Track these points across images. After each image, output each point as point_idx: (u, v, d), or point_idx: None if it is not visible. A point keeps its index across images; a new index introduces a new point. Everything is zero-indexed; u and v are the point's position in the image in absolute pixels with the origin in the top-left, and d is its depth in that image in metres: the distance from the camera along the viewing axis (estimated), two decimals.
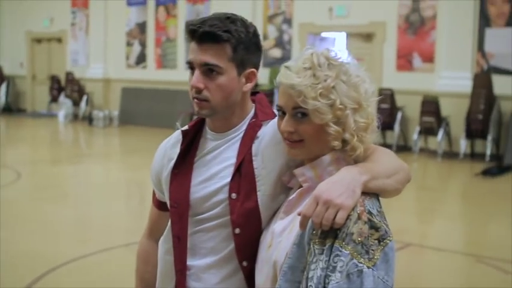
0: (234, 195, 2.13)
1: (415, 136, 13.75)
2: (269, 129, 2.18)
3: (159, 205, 2.42)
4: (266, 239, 2.08)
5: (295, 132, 1.95)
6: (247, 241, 2.13)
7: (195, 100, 2.13)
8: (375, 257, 1.80)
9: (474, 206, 9.56)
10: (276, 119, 2.14)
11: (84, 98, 19.88)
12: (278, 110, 2.00)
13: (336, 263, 1.78)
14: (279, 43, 16.35)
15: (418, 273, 6.57)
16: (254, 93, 2.30)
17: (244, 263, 2.14)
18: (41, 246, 6.93)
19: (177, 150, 2.27)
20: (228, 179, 2.15)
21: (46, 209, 8.77)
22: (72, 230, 7.98)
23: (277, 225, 2.05)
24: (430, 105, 13.37)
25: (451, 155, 13.35)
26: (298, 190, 2.03)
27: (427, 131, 13.56)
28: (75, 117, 20.08)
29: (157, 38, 18.81)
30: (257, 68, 2.21)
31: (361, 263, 1.78)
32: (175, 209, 2.21)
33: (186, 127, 2.29)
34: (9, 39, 22.67)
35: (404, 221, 8.27)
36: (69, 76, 20.38)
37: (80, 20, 20.73)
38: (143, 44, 19.18)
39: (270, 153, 2.15)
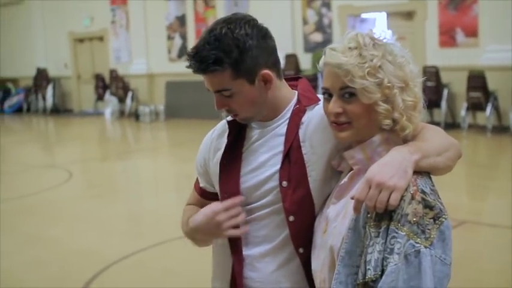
0: (285, 183, 2.13)
1: (462, 112, 13.55)
2: (314, 114, 2.18)
3: (201, 192, 2.43)
4: (321, 225, 2.08)
5: (343, 113, 1.94)
6: (302, 227, 2.13)
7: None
8: (431, 236, 1.79)
9: None
10: (321, 104, 2.14)
11: (129, 94, 20.04)
12: (324, 93, 1.99)
13: (392, 245, 1.78)
14: (319, 27, 16.25)
15: (475, 251, 6.49)
16: (296, 78, 2.30)
17: (301, 250, 2.14)
18: (96, 243, 7.03)
19: (224, 140, 2.28)
20: (277, 167, 2.15)
21: (99, 206, 8.88)
22: (126, 226, 8.07)
23: (331, 210, 2.04)
24: (477, 80, 13.15)
25: (500, 129, 13.14)
26: (349, 173, 2.02)
27: (475, 106, 13.35)
28: (121, 114, 20.27)
29: (197, 29, 18.82)
30: (268, 64, 2.15)
31: (417, 243, 1.77)
32: (225, 199, 2.21)
33: (231, 117, 2.28)
34: (53, 41, 22.96)
35: (457, 198, 8.18)
36: (113, 73, 20.57)
37: (119, 17, 20.89)
38: (184, 37, 19.24)
39: (318, 138, 2.15)
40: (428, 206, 1.81)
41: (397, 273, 1.77)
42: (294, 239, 2.14)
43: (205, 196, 2.41)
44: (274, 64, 2.17)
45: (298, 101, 2.22)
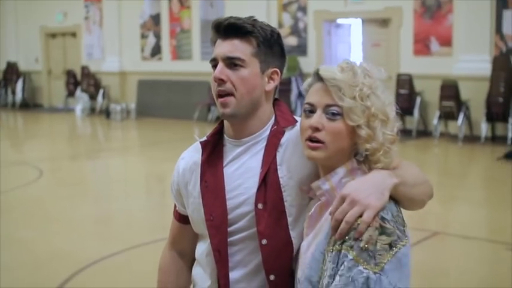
0: (260, 206, 2.10)
1: (435, 121, 13.63)
2: (293, 137, 2.16)
3: (180, 218, 2.39)
4: (298, 257, 2.08)
5: (323, 130, 1.93)
6: (274, 252, 2.10)
7: (219, 99, 2.11)
8: (382, 262, 1.78)
9: (498, 191, 9.47)
10: (298, 126, 2.14)
11: (101, 91, 19.87)
12: (305, 110, 1.99)
13: (340, 266, 1.80)
14: (295, 31, 16.25)
15: (447, 262, 6.53)
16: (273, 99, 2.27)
17: (271, 277, 2.10)
18: (67, 246, 6.95)
19: (199, 161, 2.23)
20: (254, 190, 2.11)
21: (69, 207, 8.78)
22: (97, 228, 7.99)
23: (304, 242, 2.04)
24: (450, 89, 13.23)
25: (472, 139, 13.24)
26: (317, 204, 2.01)
27: (447, 115, 13.43)
28: (92, 111, 20.08)
29: (171, 29, 18.74)
30: (281, 71, 2.19)
31: (366, 269, 1.77)
32: (211, 222, 2.17)
33: (204, 138, 2.25)
34: (24, 35, 22.68)
35: (428, 208, 8.18)
36: (85, 70, 20.38)
37: (93, 13, 20.70)
38: (158, 36, 19.12)
39: (296, 163, 2.12)
40: (384, 233, 1.81)
41: None
42: (266, 264, 2.10)
43: (182, 220, 2.37)
44: (281, 74, 2.20)
45: (276, 122, 2.19)
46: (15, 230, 7.61)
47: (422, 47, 14.30)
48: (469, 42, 13.48)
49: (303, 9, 16.07)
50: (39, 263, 6.43)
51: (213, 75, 2.11)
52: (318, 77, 1.97)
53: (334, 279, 1.79)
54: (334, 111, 1.92)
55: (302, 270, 1.94)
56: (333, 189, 1.95)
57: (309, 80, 2.03)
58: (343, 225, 1.80)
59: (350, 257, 1.77)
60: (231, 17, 2.13)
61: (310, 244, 1.97)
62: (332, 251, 1.82)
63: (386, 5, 14.66)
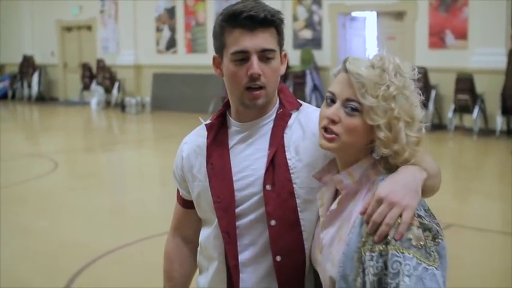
0: (268, 187, 2.10)
1: (450, 114, 13.57)
2: (300, 120, 2.17)
3: (184, 203, 2.39)
4: (315, 244, 2.08)
5: (339, 123, 1.89)
6: (283, 234, 2.10)
7: (250, 91, 2.08)
8: (436, 258, 1.78)
9: None
10: (302, 109, 2.18)
11: (116, 85, 19.93)
12: (327, 98, 1.95)
13: (395, 268, 1.75)
14: (309, 24, 16.24)
15: (461, 254, 6.50)
16: None
17: (278, 258, 2.10)
18: (81, 236, 7.00)
19: (204, 144, 2.23)
20: (262, 171, 2.12)
21: (84, 198, 8.84)
22: (111, 219, 8.04)
23: (324, 234, 2.02)
24: (465, 83, 13.17)
25: (487, 132, 13.18)
26: (338, 199, 1.98)
27: (462, 108, 13.38)
28: (107, 104, 20.16)
29: (186, 22, 18.77)
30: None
31: (430, 265, 1.76)
32: (219, 204, 2.16)
33: (208, 121, 2.25)
34: (40, 28, 22.79)
35: (443, 200, 8.16)
36: (100, 63, 20.45)
37: (108, 7, 20.75)
38: (173, 29, 19.16)
39: (306, 146, 2.12)
40: (426, 229, 1.80)
41: None
42: (273, 244, 2.10)
43: (187, 206, 2.36)
44: None
45: (282, 105, 2.19)
46: (30, 220, 7.68)
47: (437, 40, 14.24)
48: (485, 35, 13.41)
49: (318, 2, 16.04)
50: (53, 253, 6.48)
51: (245, 69, 2.06)
52: (345, 68, 1.92)
53: (385, 279, 1.76)
54: (353, 107, 1.87)
55: (334, 267, 1.91)
56: (355, 182, 1.94)
57: (339, 67, 1.97)
58: (383, 227, 1.78)
59: (409, 255, 1.74)
60: (253, 8, 2.05)
61: (334, 238, 1.96)
62: (373, 251, 1.79)
63: None
